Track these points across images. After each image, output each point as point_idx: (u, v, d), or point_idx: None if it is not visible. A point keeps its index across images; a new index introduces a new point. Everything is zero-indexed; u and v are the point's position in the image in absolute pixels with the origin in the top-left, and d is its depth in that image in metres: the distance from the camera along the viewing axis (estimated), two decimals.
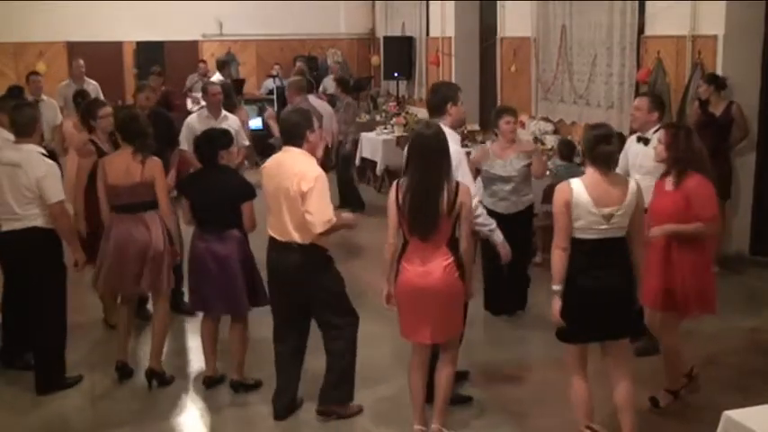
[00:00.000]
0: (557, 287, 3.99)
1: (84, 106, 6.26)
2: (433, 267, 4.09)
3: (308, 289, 4.52)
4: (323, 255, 4.55)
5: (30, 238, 4.97)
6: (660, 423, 4.63)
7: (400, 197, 4.12)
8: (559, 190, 3.99)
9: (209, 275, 4.91)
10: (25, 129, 5.02)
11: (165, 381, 5.22)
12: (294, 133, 4.54)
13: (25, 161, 4.91)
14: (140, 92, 6.91)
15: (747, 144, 7.52)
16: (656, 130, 5.48)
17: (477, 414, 4.71)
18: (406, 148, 4.29)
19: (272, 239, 4.59)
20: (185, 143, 6.72)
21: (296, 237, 4.45)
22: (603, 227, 3.93)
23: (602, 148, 3.95)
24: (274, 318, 4.79)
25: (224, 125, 6.58)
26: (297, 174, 4.40)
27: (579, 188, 3.93)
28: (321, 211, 4.35)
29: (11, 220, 4.98)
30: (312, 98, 8.84)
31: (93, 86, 10.70)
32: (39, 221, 4.97)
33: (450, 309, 4.21)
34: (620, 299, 4.00)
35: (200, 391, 5.19)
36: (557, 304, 4.00)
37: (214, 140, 5.04)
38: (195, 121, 6.96)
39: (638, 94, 8.03)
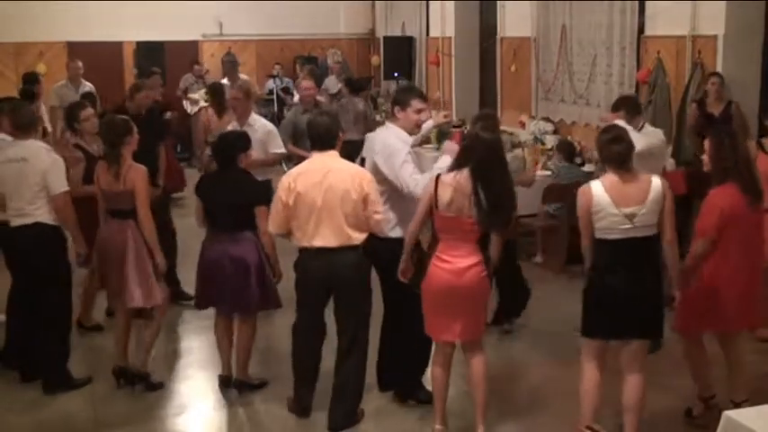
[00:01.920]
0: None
1: (66, 109, 6.25)
2: (466, 266, 4.15)
3: (357, 287, 4.54)
4: (363, 255, 4.60)
5: (37, 234, 5.01)
6: (660, 423, 4.63)
7: (441, 191, 4.12)
8: (581, 194, 4.07)
9: (223, 277, 4.87)
10: (26, 127, 5.09)
11: (150, 385, 5.17)
12: (330, 137, 4.54)
13: (31, 155, 4.99)
14: (139, 91, 6.80)
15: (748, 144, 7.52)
16: (642, 126, 5.61)
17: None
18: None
19: (315, 249, 4.45)
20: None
21: (354, 238, 4.44)
22: (627, 226, 3.96)
23: (612, 149, 4.03)
24: (306, 323, 4.68)
25: (254, 136, 6.51)
26: (356, 175, 4.44)
27: (599, 190, 4.00)
28: (381, 209, 4.50)
29: (20, 216, 5.02)
30: (319, 98, 8.85)
31: (88, 88, 10.69)
32: (45, 217, 5.00)
33: (479, 306, 4.29)
34: (646, 299, 4.03)
35: (202, 390, 5.20)
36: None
37: (233, 143, 5.05)
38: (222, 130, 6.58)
39: (637, 93, 8.04)
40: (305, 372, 4.76)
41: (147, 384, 5.15)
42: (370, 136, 4.97)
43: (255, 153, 6.46)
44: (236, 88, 6.87)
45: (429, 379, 4.64)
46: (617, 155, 4.02)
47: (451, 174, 4.17)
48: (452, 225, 4.15)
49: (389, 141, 4.62)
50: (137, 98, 6.74)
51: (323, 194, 4.40)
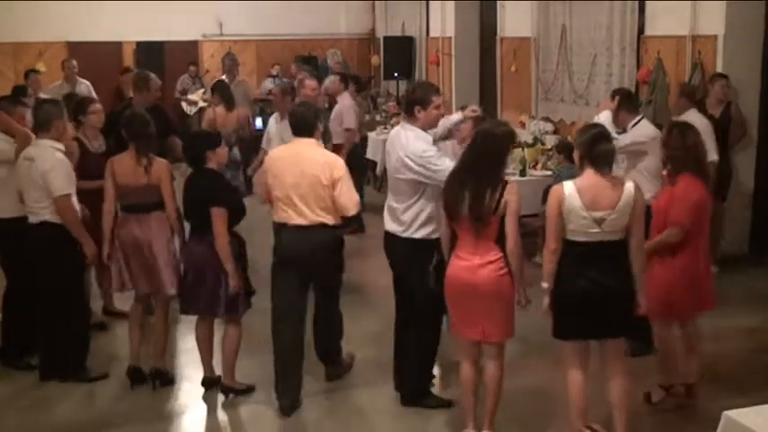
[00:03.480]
0: (545, 285, 4.08)
1: (74, 102, 6.24)
2: (481, 263, 4.11)
3: (326, 265, 4.84)
4: (341, 233, 4.89)
5: (42, 233, 5.04)
6: (660, 423, 4.63)
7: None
8: (553, 192, 4.04)
9: (189, 277, 4.90)
10: (42, 125, 5.11)
11: (168, 380, 5.21)
12: (306, 125, 4.85)
13: (38, 155, 5.00)
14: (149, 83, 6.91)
15: (747, 144, 7.52)
16: (636, 123, 5.58)
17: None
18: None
19: (289, 226, 4.75)
20: (266, 146, 7.01)
21: (324, 220, 4.71)
22: (595, 230, 3.92)
23: (601, 147, 3.95)
24: (277, 307, 4.85)
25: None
26: (326, 163, 4.73)
27: (572, 191, 3.93)
28: (352, 195, 4.73)
29: (31, 214, 5.07)
30: (346, 95, 8.99)
31: (85, 86, 10.70)
32: (52, 217, 5.01)
33: (498, 306, 4.18)
34: (615, 299, 3.99)
35: (200, 391, 5.18)
36: (545, 300, 4.10)
37: (198, 141, 5.05)
38: (272, 125, 7.10)
39: (637, 93, 8.03)
40: (281, 356, 4.87)
41: (163, 380, 5.18)
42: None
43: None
44: (278, 86, 7.71)
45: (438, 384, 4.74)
46: (605, 153, 3.95)
47: None
48: (467, 221, 4.12)
49: (416, 146, 4.54)
50: (149, 91, 6.82)
51: (296, 179, 4.70)
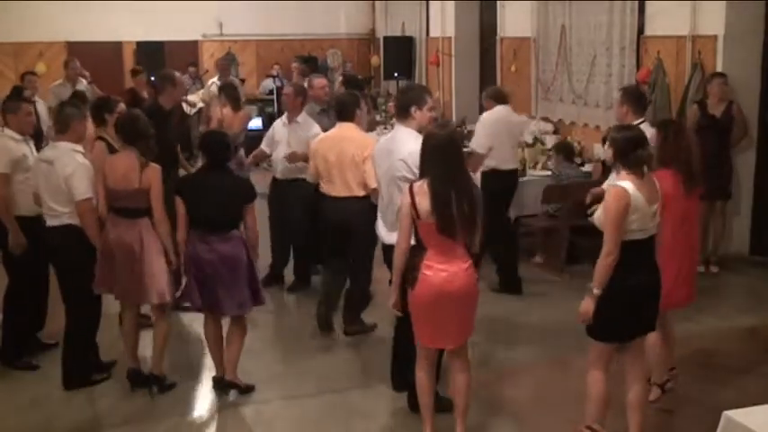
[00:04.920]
0: (597, 291, 3.87)
1: (99, 101, 6.21)
2: (457, 271, 4.00)
3: (359, 228, 5.57)
4: (371, 204, 5.36)
5: (64, 235, 5.01)
6: (660, 422, 4.63)
7: (419, 200, 3.95)
8: (618, 195, 3.81)
9: (216, 277, 4.82)
10: (60, 127, 5.10)
11: (164, 387, 5.15)
12: (345, 111, 5.75)
13: (57, 158, 4.96)
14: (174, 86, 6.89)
15: (747, 144, 7.53)
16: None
17: (476, 414, 4.70)
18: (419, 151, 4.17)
19: (329, 197, 5.75)
20: (266, 147, 7.09)
21: (357, 191, 5.61)
22: (652, 224, 3.92)
23: (639, 153, 3.88)
24: (330, 255, 5.99)
25: (300, 132, 6.69)
26: (360, 144, 5.62)
27: (634, 190, 3.84)
28: (373, 172, 5.22)
29: (53, 216, 5.03)
30: None
31: (83, 87, 10.68)
32: (74, 219, 4.98)
33: (470, 311, 4.18)
34: (657, 295, 4.02)
35: (201, 390, 5.20)
36: (591, 305, 3.88)
37: (226, 140, 5.05)
38: (279, 128, 6.98)
39: None
40: (325, 296, 6.03)
41: (161, 386, 5.13)
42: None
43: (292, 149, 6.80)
44: (291, 86, 7.61)
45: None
46: (644, 159, 3.91)
47: (422, 180, 4.01)
48: (455, 231, 3.98)
49: (415, 146, 4.42)
50: (174, 87, 6.83)
51: (336, 156, 5.65)
